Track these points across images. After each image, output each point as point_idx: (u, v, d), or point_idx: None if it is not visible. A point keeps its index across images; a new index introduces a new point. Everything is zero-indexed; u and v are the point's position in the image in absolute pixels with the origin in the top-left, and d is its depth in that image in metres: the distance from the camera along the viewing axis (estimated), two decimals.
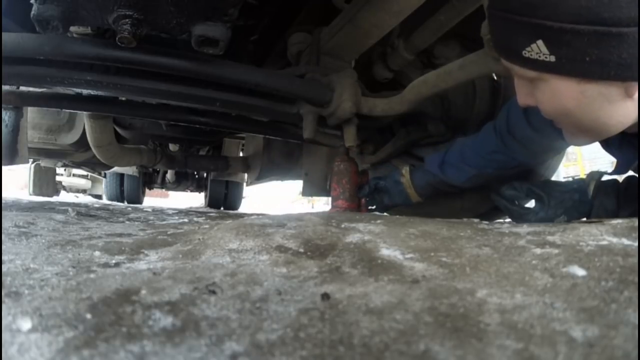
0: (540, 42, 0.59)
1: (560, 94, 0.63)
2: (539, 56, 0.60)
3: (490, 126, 1.08)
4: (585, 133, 0.69)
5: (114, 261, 0.56)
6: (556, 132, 0.77)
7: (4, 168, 1.68)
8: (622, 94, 0.59)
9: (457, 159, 1.13)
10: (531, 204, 1.01)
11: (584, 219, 0.91)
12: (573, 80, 0.60)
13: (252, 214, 2.10)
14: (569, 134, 0.73)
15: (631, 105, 0.61)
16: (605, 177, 0.93)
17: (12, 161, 1.68)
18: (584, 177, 0.98)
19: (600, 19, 0.54)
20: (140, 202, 4.34)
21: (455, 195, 1.37)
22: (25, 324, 0.31)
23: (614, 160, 0.83)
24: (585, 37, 0.56)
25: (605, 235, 0.52)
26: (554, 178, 1.30)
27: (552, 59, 0.59)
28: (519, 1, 0.59)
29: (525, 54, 0.62)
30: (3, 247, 0.60)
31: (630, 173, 0.86)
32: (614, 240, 0.50)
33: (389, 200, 1.26)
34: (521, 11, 0.60)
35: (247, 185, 4.12)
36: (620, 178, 0.91)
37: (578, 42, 0.56)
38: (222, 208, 4.25)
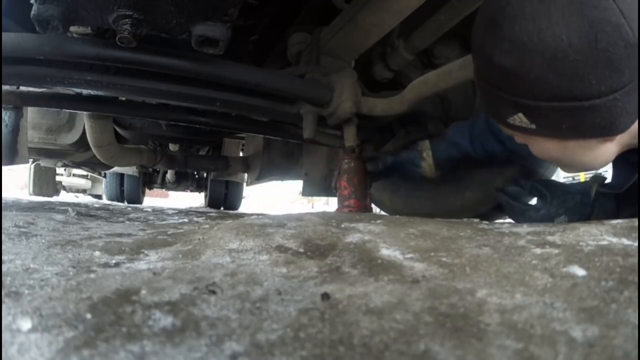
0: (521, 115, 0.66)
1: (546, 148, 0.71)
2: (521, 124, 0.67)
3: None
4: (576, 169, 0.78)
5: (114, 261, 0.56)
6: None
7: (4, 168, 1.68)
8: (600, 142, 0.66)
9: (485, 132, 1.10)
10: (533, 202, 1.01)
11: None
12: (554, 139, 0.68)
13: (252, 214, 2.10)
14: (561, 168, 0.82)
15: (612, 146, 0.67)
16: (604, 168, 0.93)
17: (12, 161, 1.68)
18: (585, 179, 0.98)
19: (572, 96, 0.59)
20: (140, 202, 4.34)
21: (455, 194, 1.37)
22: (25, 324, 0.31)
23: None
24: (559, 112, 0.62)
25: (605, 235, 0.52)
26: (553, 178, 1.31)
27: (533, 126, 0.66)
28: (499, 79, 0.65)
29: (509, 121, 0.68)
30: (3, 247, 0.60)
31: None
32: (614, 240, 0.50)
33: (399, 179, 1.24)
34: (502, 88, 0.65)
35: (247, 185, 4.12)
36: None
37: (554, 115, 0.62)
38: (222, 208, 4.25)
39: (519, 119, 0.66)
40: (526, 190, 1.01)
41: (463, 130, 1.13)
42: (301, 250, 0.57)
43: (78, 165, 3.05)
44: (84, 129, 2.05)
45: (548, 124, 0.64)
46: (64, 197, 5.96)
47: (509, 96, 0.65)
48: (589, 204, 0.91)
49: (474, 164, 1.19)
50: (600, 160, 0.71)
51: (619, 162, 0.79)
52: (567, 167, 0.78)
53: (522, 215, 1.00)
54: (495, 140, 1.07)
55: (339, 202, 1.23)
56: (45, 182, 4.49)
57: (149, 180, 4.64)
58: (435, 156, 1.17)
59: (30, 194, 4.26)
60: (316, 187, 2.04)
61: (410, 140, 1.47)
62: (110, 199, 4.35)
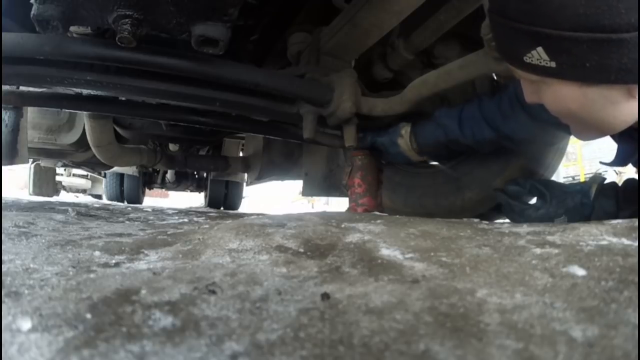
0: (540, 49, 0.60)
1: (563, 96, 0.64)
2: (540, 62, 0.61)
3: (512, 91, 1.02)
4: (591, 131, 0.70)
5: (114, 261, 0.56)
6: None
7: (4, 168, 1.68)
8: (624, 95, 0.60)
9: (476, 115, 1.07)
10: (533, 201, 1.01)
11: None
12: (574, 84, 0.61)
13: (252, 214, 2.10)
14: (576, 131, 0.74)
15: (635, 105, 0.61)
16: (604, 168, 0.93)
17: (12, 161, 1.68)
18: (585, 180, 0.98)
19: (599, 26, 0.54)
20: (140, 202, 4.34)
21: (455, 194, 1.37)
22: (25, 324, 0.31)
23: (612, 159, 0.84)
24: (584, 44, 0.56)
25: (605, 235, 0.52)
26: (553, 178, 1.31)
27: (553, 64, 0.60)
28: (518, 9, 0.60)
29: (526, 59, 0.62)
30: (3, 247, 0.60)
31: (628, 176, 0.86)
32: (614, 240, 0.50)
33: (386, 159, 1.21)
34: (520, 18, 0.60)
35: (247, 185, 4.12)
36: (619, 180, 0.90)
37: (577, 49, 0.57)
38: (222, 208, 4.25)
39: (538, 55, 0.60)
40: (525, 190, 1.01)
41: (452, 113, 1.11)
42: (301, 250, 0.57)
43: (78, 165, 3.05)
44: (83, 129, 2.05)
45: (570, 60, 0.58)
46: (64, 197, 5.96)
47: (529, 27, 0.59)
48: (589, 204, 0.91)
49: (462, 150, 1.16)
50: (619, 120, 0.63)
51: (624, 138, 0.76)
52: (583, 128, 0.70)
53: (522, 214, 0.99)
54: (487, 126, 1.05)
55: (352, 200, 1.20)
56: (45, 182, 4.49)
57: (149, 180, 4.64)
58: (421, 139, 1.14)
59: (30, 194, 4.26)
60: (316, 187, 2.04)
61: None
62: (110, 199, 4.35)
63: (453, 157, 1.37)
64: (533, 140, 1.06)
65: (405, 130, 1.16)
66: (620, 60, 0.55)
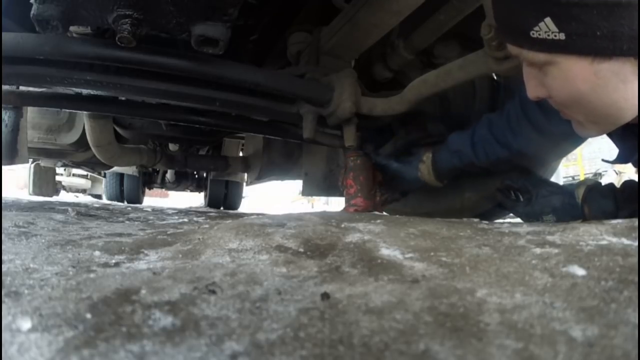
0: (548, 20, 0.57)
1: (573, 76, 0.61)
2: (548, 35, 0.58)
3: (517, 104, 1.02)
4: (598, 120, 0.66)
5: (113, 261, 0.56)
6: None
7: (4, 168, 1.68)
8: (635, 73, 0.58)
9: (487, 136, 1.07)
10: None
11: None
12: (585, 60, 0.58)
13: (251, 214, 2.10)
14: (580, 125, 0.70)
15: None
16: (603, 169, 0.94)
17: (12, 161, 1.68)
18: (576, 182, 1.00)
19: None
20: (140, 202, 4.35)
21: (455, 194, 1.37)
22: (25, 324, 0.31)
23: (614, 157, 0.84)
24: (594, 10, 0.54)
25: (605, 235, 0.52)
26: (553, 178, 1.31)
27: (562, 36, 0.57)
28: None
29: (533, 34, 0.60)
30: (3, 247, 0.60)
31: (628, 176, 0.87)
32: (614, 240, 0.50)
33: (401, 186, 1.23)
34: None
35: (247, 185, 4.13)
36: (618, 180, 0.91)
37: (587, 16, 0.55)
38: (221, 208, 4.25)
39: (546, 27, 0.58)
40: (517, 187, 1.04)
41: (464, 138, 1.12)
42: (301, 250, 0.57)
43: (78, 165, 3.05)
44: (83, 129, 2.05)
45: (580, 30, 0.56)
46: (63, 197, 5.96)
47: None
48: (577, 206, 0.91)
49: (478, 171, 1.18)
50: (630, 104, 0.60)
51: (625, 136, 0.76)
52: (589, 117, 0.66)
53: (513, 210, 1.04)
54: (499, 146, 1.05)
55: (346, 201, 1.21)
56: (45, 182, 4.48)
57: (148, 180, 4.64)
58: (437, 167, 1.17)
59: (30, 194, 4.26)
60: (316, 187, 2.04)
61: (410, 140, 1.47)
62: (110, 198, 4.35)
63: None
64: (543, 154, 1.06)
65: (427, 156, 1.18)
66: (631, 27, 0.54)
